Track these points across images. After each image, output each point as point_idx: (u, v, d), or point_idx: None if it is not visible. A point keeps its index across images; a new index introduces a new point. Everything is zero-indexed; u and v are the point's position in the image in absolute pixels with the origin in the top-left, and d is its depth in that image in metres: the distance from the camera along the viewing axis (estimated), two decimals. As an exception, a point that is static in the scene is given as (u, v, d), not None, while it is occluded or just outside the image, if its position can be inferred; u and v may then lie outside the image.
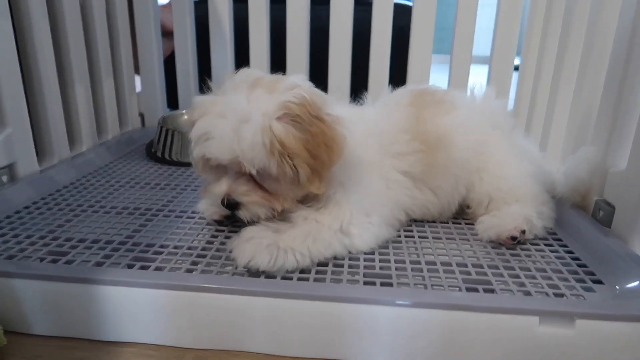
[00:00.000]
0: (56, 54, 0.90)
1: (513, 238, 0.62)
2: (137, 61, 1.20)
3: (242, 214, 0.60)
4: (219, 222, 0.69)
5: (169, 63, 1.24)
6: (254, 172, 0.55)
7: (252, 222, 0.60)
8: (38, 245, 0.62)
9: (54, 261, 0.57)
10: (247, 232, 0.57)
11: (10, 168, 0.80)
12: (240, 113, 0.54)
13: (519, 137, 0.75)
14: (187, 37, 1.17)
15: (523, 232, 0.62)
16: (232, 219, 0.65)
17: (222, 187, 0.59)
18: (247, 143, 0.53)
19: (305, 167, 0.54)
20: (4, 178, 0.79)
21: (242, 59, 1.17)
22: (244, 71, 0.60)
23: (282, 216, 0.61)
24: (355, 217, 0.59)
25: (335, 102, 0.65)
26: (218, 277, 0.54)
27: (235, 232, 0.61)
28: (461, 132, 0.67)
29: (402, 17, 1.20)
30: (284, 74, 0.62)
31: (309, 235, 0.56)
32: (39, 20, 0.84)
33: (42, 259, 0.58)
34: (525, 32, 1.01)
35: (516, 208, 0.65)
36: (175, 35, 1.18)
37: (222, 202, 0.59)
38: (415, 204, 0.67)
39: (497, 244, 0.64)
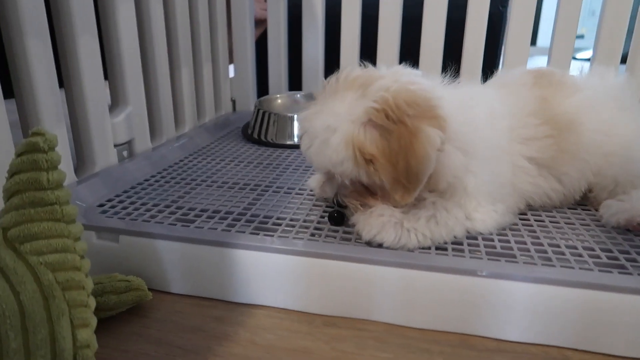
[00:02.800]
0: (167, 39, 0.95)
1: None
2: (231, 51, 1.25)
3: (349, 213, 0.60)
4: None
5: (256, 47, 1.28)
6: (347, 182, 0.56)
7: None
8: (165, 213, 0.66)
9: (185, 227, 0.61)
10: (375, 209, 0.57)
11: (129, 144, 0.86)
12: (328, 125, 0.54)
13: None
14: (279, 25, 1.21)
15: None
16: (339, 219, 0.62)
17: (332, 189, 0.62)
18: (334, 157, 0.53)
19: (387, 175, 0.52)
20: (125, 153, 0.85)
21: (333, 47, 1.19)
22: (343, 72, 0.58)
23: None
24: (482, 205, 0.59)
25: (445, 84, 0.64)
26: (349, 246, 0.55)
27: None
28: (591, 114, 0.64)
29: (493, 4, 1.17)
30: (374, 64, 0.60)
31: (432, 218, 0.56)
32: (156, 7, 0.90)
33: (173, 225, 0.62)
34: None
35: None
36: (269, 23, 1.21)
37: (333, 202, 0.61)
38: (537, 193, 0.64)
39: (623, 230, 0.61)
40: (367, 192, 0.58)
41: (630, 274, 0.51)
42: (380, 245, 0.55)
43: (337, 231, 0.60)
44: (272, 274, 0.54)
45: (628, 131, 0.65)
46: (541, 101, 0.64)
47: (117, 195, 0.73)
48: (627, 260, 0.54)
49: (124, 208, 0.68)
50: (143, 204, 0.70)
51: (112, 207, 0.68)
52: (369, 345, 0.49)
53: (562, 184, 0.65)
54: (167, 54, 0.95)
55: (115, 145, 0.82)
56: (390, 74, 0.57)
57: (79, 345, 0.39)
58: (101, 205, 0.69)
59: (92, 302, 0.41)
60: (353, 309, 0.53)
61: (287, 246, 0.54)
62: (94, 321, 0.41)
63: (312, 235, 0.60)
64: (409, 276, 0.50)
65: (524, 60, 1.07)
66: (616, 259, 0.54)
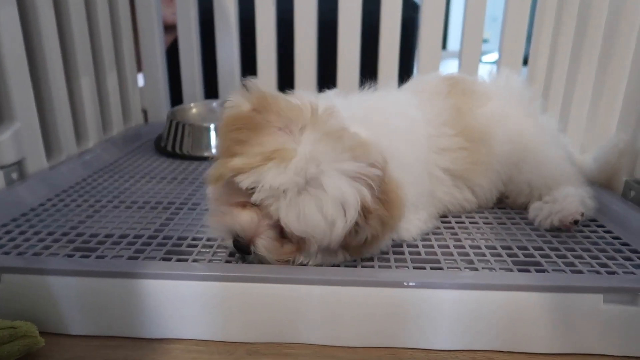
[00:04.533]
0: (61, 45, 0.86)
1: (576, 222, 0.61)
2: (139, 58, 1.16)
3: (253, 258, 0.51)
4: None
5: (169, 54, 1.20)
6: (316, 247, 0.49)
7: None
8: (62, 242, 0.59)
9: (85, 257, 0.54)
10: None
11: (19, 165, 0.76)
12: (310, 173, 0.45)
13: (546, 120, 0.74)
14: (191, 31, 1.14)
15: (582, 214, 0.61)
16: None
17: (242, 222, 0.49)
18: (339, 230, 0.46)
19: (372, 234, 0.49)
20: (14, 175, 0.75)
21: (247, 50, 1.15)
22: (291, 105, 0.49)
23: None
24: (405, 215, 0.58)
25: (355, 92, 0.63)
26: (269, 266, 0.51)
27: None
28: (501, 125, 0.66)
29: (405, 10, 1.20)
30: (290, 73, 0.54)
31: None
32: (45, 10, 0.80)
33: (70, 256, 0.55)
34: (537, 10, 1.01)
35: (570, 190, 0.64)
36: (179, 27, 1.14)
37: (234, 241, 0.50)
38: (452, 203, 0.65)
39: (556, 229, 0.62)
40: (290, 242, 0.50)
41: (545, 270, 0.52)
42: (305, 263, 0.52)
43: (258, 249, 0.57)
44: (186, 303, 0.49)
45: (533, 137, 0.68)
46: (455, 111, 0.65)
47: (4, 225, 0.63)
48: (542, 256, 0.56)
49: (12, 240, 0.59)
50: (36, 233, 0.61)
51: (-3, 239, 0.59)
52: (296, 371, 0.46)
53: (475, 195, 0.67)
54: (61, 61, 0.85)
55: (1, 167, 0.72)
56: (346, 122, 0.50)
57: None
58: (-18, 239, 0.59)
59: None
60: (278, 334, 0.49)
61: (202, 271, 0.49)
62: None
63: (231, 255, 0.55)
64: (334, 293, 0.48)
65: (436, 64, 1.10)
66: (532, 256, 0.56)
